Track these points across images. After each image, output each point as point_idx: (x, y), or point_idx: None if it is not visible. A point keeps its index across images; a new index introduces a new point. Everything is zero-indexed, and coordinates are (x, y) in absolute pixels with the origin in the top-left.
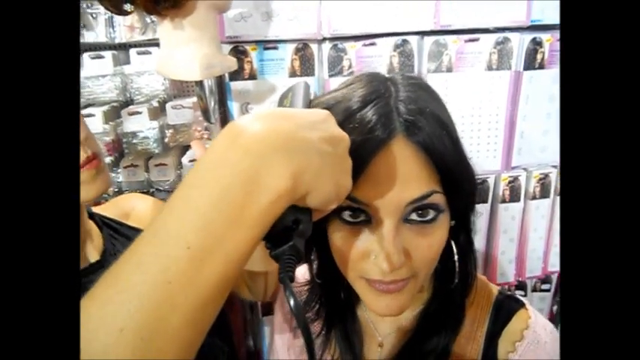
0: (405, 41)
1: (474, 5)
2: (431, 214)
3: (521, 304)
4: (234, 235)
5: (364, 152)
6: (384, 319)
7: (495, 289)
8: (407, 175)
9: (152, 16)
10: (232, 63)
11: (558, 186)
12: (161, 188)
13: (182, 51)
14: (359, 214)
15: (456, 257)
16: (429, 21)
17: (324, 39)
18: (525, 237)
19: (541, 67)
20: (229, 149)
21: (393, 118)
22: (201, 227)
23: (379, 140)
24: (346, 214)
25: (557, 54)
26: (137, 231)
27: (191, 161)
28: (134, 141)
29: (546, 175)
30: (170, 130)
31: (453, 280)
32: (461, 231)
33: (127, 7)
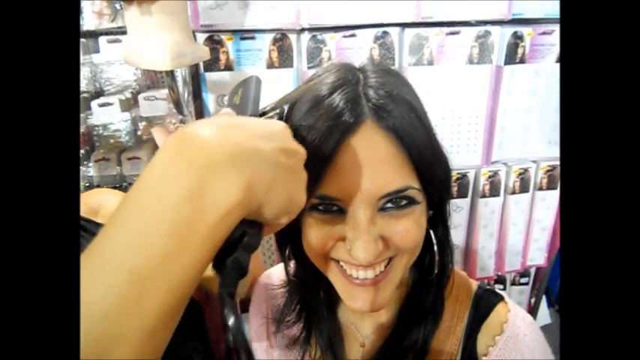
0: (385, 33)
1: None
2: (404, 203)
3: (500, 298)
4: (180, 257)
5: (331, 139)
6: (365, 319)
7: (474, 284)
8: (378, 162)
9: (120, 1)
10: (205, 52)
11: (538, 181)
12: (133, 183)
13: (150, 39)
14: (331, 206)
15: (435, 248)
16: (410, 13)
17: (303, 29)
18: (505, 231)
19: (522, 61)
20: (173, 162)
21: (362, 103)
22: (143, 249)
23: (346, 125)
24: (319, 208)
25: (539, 48)
26: None
27: None
28: (105, 133)
29: (526, 170)
30: (143, 123)
31: (432, 271)
32: (438, 221)
33: None
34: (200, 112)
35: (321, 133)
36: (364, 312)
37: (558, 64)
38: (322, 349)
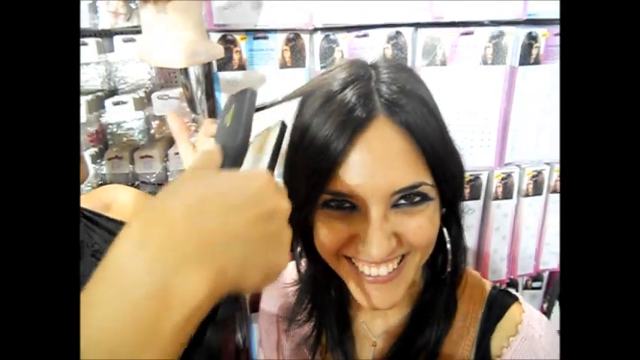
0: (398, 33)
1: None
2: (417, 198)
3: (515, 299)
4: (145, 354)
5: (344, 135)
6: (377, 318)
7: (488, 285)
8: (391, 158)
9: (136, 0)
10: (219, 51)
11: (551, 183)
12: (146, 181)
13: (165, 37)
14: (344, 203)
15: (448, 246)
16: (424, 13)
17: (316, 29)
18: (518, 235)
19: (537, 62)
20: (136, 255)
21: (374, 99)
22: (104, 352)
23: (359, 121)
24: (331, 204)
25: (554, 49)
26: (118, 223)
27: (178, 153)
28: (119, 132)
29: (539, 172)
30: (156, 121)
31: (445, 270)
32: (451, 219)
33: None
34: (213, 111)
35: (333, 129)
36: (377, 310)
37: None
38: (333, 348)
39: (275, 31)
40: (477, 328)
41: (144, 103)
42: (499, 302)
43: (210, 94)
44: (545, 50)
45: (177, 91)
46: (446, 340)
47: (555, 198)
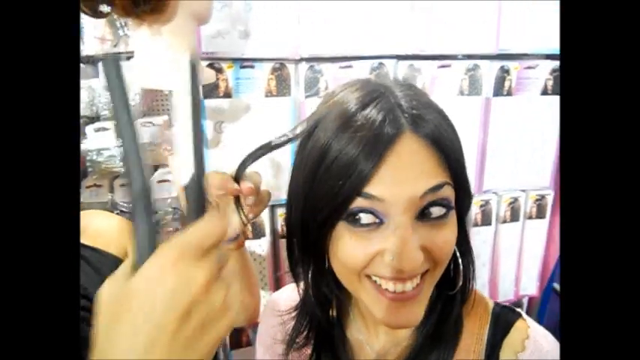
0: (381, 64)
1: (448, 32)
2: (442, 210)
3: (519, 315)
4: None
5: (374, 151)
6: (380, 338)
7: (491, 302)
8: (418, 169)
9: (126, 26)
10: (210, 75)
11: (527, 210)
12: (126, 210)
13: (162, 59)
14: (368, 216)
15: (459, 260)
16: (404, 45)
17: (301, 59)
18: (497, 261)
19: (509, 94)
20: None
21: (398, 115)
22: None
23: (388, 137)
24: (355, 218)
25: (525, 81)
26: (90, 249)
27: (160, 182)
28: (99, 159)
29: (516, 199)
30: None
31: (453, 286)
32: (462, 232)
33: (104, 8)
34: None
35: (361, 147)
36: (399, 328)
37: (543, 97)
38: None
39: (261, 60)
40: (483, 346)
41: None
42: (504, 319)
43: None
44: (517, 82)
45: (161, 119)
46: (454, 357)
47: (532, 224)
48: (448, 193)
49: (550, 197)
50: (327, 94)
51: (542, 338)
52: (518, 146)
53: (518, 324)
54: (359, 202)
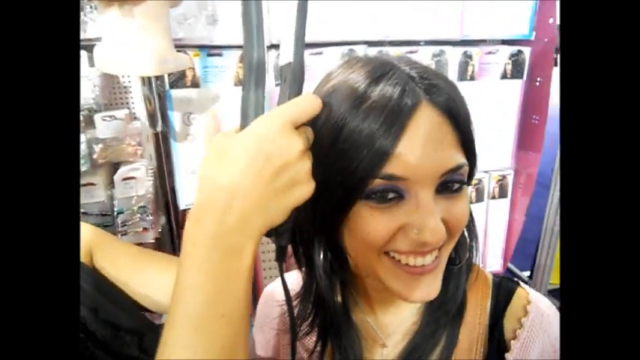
0: (351, 50)
1: (415, 19)
2: (459, 184)
3: (517, 283)
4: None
5: (396, 123)
6: (386, 318)
7: (489, 274)
8: (437, 141)
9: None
10: (186, 60)
11: (490, 190)
12: (89, 212)
13: (132, 42)
14: (388, 193)
15: (465, 233)
16: (374, 32)
17: (271, 46)
18: None
19: (472, 78)
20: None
21: (413, 86)
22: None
23: (408, 108)
24: (375, 195)
25: (486, 66)
26: None
27: (125, 179)
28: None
29: (480, 181)
30: (99, 145)
31: (461, 258)
32: None
33: None
34: (164, 134)
35: (380, 121)
36: (418, 302)
37: (503, 81)
38: (341, 353)
39: (230, 47)
40: (487, 316)
41: (85, 124)
42: (505, 288)
43: (162, 114)
44: (479, 67)
45: (123, 113)
46: (460, 331)
47: (495, 204)
48: (464, 172)
49: (511, 177)
50: (326, 75)
51: (541, 302)
52: (480, 129)
53: (519, 292)
54: (380, 182)
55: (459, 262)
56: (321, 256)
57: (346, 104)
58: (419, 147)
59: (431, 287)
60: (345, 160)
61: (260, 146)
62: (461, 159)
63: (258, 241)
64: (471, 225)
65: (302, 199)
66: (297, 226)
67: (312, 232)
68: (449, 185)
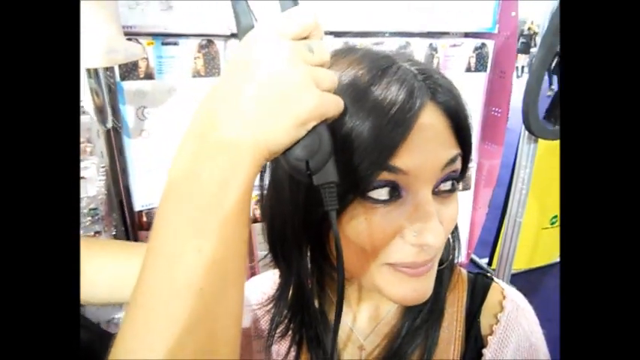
0: None
1: (382, 9)
2: (451, 184)
3: (491, 278)
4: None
5: (404, 122)
6: (364, 319)
7: (464, 270)
8: (440, 139)
9: None
10: (138, 50)
11: None
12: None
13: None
14: (384, 191)
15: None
16: (340, 23)
17: (232, 35)
18: None
19: None
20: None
21: (420, 85)
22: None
23: (415, 107)
24: (371, 193)
25: (450, 59)
26: None
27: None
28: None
29: None
30: None
31: (442, 260)
32: None
33: None
34: (114, 128)
35: (387, 120)
36: (413, 304)
37: (467, 74)
38: (317, 356)
39: (187, 36)
40: (463, 314)
41: None
42: (480, 284)
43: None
44: (444, 60)
45: None
46: (439, 331)
47: (460, 196)
48: (458, 165)
49: (474, 170)
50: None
51: (514, 296)
52: None
53: (494, 287)
54: (383, 176)
55: (443, 263)
56: (306, 260)
57: (348, 100)
58: (423, 143)
59: (425, 288)
60: (348, 154)
61: (274, 63)
62: (456, 149)
63: (255, 161)
64: (455, 226)
65: (306, 110)
66: (281, 228)
67: (301, 235)
68: (444, 184)
